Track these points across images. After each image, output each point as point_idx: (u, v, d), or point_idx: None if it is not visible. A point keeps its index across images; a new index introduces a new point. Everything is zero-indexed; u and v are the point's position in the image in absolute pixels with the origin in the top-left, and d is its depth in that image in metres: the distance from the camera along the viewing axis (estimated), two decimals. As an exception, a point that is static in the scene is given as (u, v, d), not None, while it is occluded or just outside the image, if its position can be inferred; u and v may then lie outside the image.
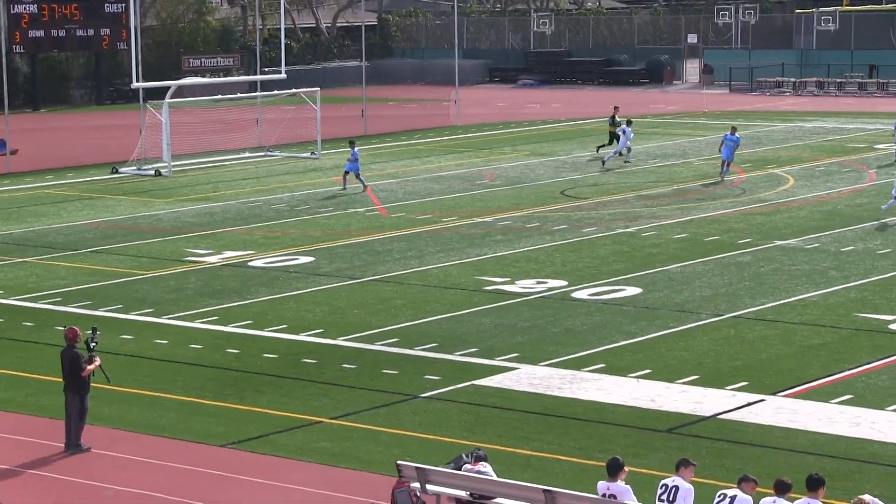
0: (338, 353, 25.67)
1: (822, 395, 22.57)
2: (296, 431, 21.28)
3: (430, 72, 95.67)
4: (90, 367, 20.31)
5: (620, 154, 51.91)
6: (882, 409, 21.74)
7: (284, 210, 42.33)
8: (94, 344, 20.37)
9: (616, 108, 55.75)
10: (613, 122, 53.63)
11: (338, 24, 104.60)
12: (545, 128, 66.55)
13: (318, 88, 59.00)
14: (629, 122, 52.70)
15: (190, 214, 42.08)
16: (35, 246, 37.05)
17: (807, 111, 72.33)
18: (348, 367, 24.79)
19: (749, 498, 15.15)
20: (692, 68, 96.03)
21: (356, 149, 45.86)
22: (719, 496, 15.26)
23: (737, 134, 48.14)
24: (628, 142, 51.93)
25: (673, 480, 15.54)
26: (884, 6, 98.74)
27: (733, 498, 15.14)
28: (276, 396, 23.04)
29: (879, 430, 20.75)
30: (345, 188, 45.44)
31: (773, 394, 22.66)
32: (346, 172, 45.73)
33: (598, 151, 53.62)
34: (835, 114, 70.44)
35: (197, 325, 28.08)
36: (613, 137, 53.24)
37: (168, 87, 55.34)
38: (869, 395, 22.44)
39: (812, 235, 36.46)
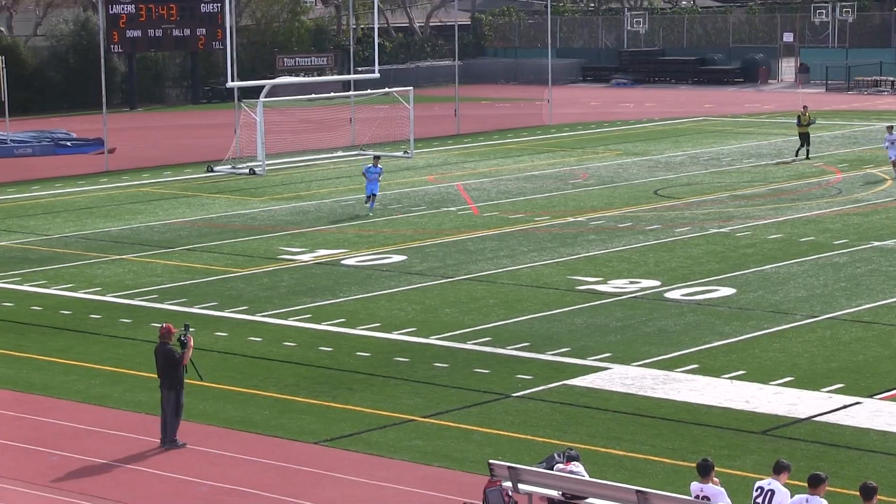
0: (429, 352, 25.74)
1: (919, 398, 22.34)
2: (388, 429, 21.36)
3: (523, 71, 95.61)
4: (188, 352, 20.56)
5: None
6: (981, 412, 21.46)
7: (378, 209, 42.47)
8: (185, 339, 20.61)
9: (805, 107, 53.77)
10: (801, 123, 51.98)
11: (431, 24, 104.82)
12: (638, 127, 66.28)
13: (411, 88, 59.15)
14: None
15: (283, 213, 42.37)
16: (132, 243, 37.49)
17: (905, 110, 71.47)
18: (440, 365, 24.84)
19: (787, 491, 15.05)
20: (788, 67, 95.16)
21: (381, 165, 42.17)
22: (756, 490, 15.21)
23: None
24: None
25: (769, 483, 15.41)
26: None
27: (771, 492, 15.09)
28: (368, 394, 23.14)
29: (979, 434, 20.48)
30: (370, 211, 41.20)
31: (870, 396, 22.43)
32: (369, 196, 41.33)
33: (796, 155, 51.98)
34: (933, 113, 69.52)
35: (290, 322, 28.27)
36: (804, 139, 51.80)
37: (262, 87, 55.71)
38: (968, 399, 22.17)
39: (910, 236, 36.09)
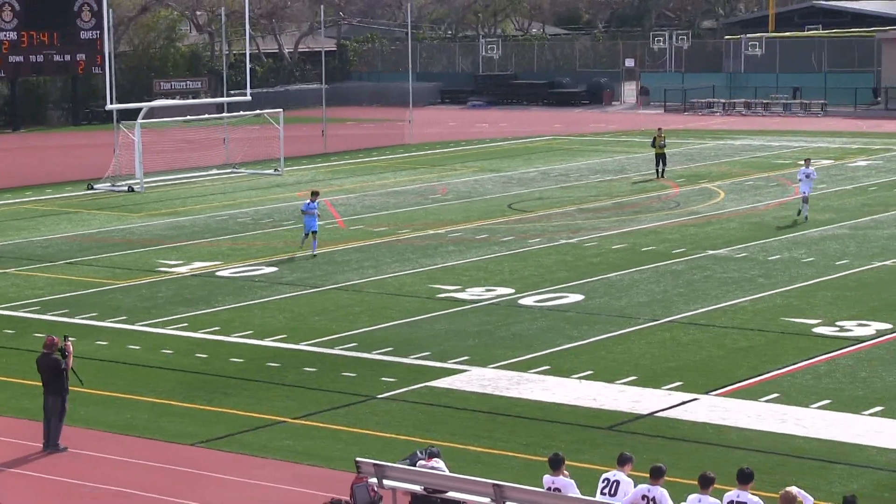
0: (300, 357, 25.61)
1: (750, 393, 22.66)
2: (261, 431, 21.20)
3: (386, 94, 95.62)
4: (69, 360, 20.30)
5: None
6: (806, 406, 21.84)
7: (249, 223, 42.18)
8: (64, 347, 20.36)
9: (660, 129, 53.86)
10: (655, 145, 51.97)
11: (299, 50, 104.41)
12: (493, 146, 66.64)
13: (281, 109, 58.91)
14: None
15: (160, 228, 41.87)
16: (15, 258, 36.78)
17: (735, 130, 72.74)
18: (309, 370, 24.72)
19: (631, 481, 15.24)
20: (629, 90, 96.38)
21: (317, 201, 37.03)
22: (603, 481, 15.39)
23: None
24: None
25: (614, 475, 15.56)
26: (806, 33, 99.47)
27: (616, 483, 15.29)
28: (242, 398, 22.94)
29: (804, 426, 20.85)
30: (314, 253, 36.24)
31: (706, 393, 22.73)
32: (308, 234, 36.23)
33: (658, 176, 50.97)
34: (761, 132, 70.88)
35: (168, 331, 27.93)
36: (659, 158, 51.84)
37: (140, 109, 55.06)
38: (794, 394, 22.55)
39: (741, 245, 36.64)
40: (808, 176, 40.58)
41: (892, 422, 20.93)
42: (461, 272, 33.67)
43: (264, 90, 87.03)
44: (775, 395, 22.51)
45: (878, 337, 26.38)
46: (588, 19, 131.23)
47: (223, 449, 20.36)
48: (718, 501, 14.73)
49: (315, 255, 35.74)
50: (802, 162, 42.34)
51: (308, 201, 36.38)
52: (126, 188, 51.17)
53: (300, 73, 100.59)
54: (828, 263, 33.88)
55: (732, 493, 14.74)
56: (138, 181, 51.40)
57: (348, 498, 16.78)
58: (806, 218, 39.93)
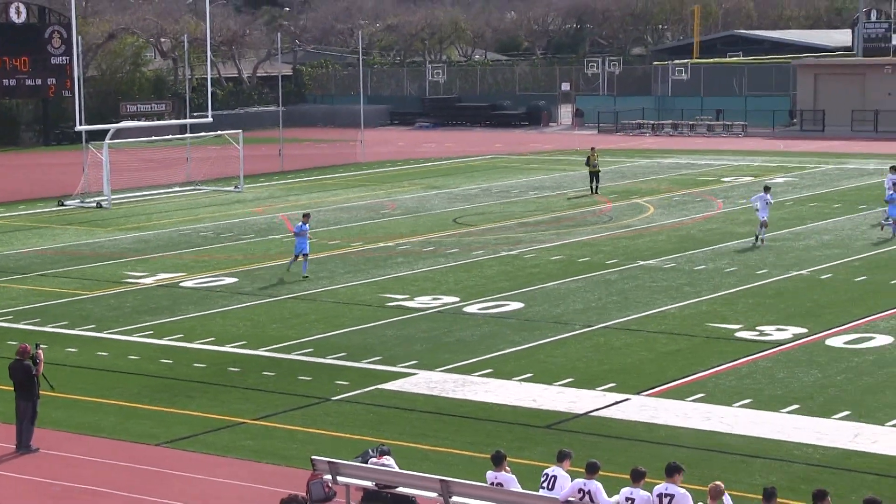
0: (258, 363, 25.49)
1: (678, 394, 22.77)
2: (222, 431, 21.09)
3: (339, 115, 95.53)
4: (40, 367, 20.17)
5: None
6: (729, 405, 21.96)
7: (211, 237, 41.98)
8: (36, 354, 20.23)
9: (593, 149, 53.87)
10: (589, 163, 51.93)
11: (258, 74, 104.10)
12: (439, 164, 66.68)
13: (241, 130, 58.71)
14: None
15: (127, 241, 41.58)
16: (-11, 270, 36.44)
17: (664, 149, 73.15)
18: (268, 374, 24.62)
19: (568, 476, 15.29)
20: (565, 112, 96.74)
21: (308, 224, 34.80)
22: (543, 476, 15.44)
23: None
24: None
25: (553, 470, 15.60)
26: (728, 59, 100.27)
27: (554, 478, 15.31)
28: (204, 401, 22.81)
29: (727, 423, 20.97)
30: (305, 275, 34.24)
31: (637, 393, 22.82)
32: (298, 255, 34.33)
33: (591, 192, 51.02)
34: (687, 151, 71.30)
35: (134, 338, 27.74)
36: (593, 176, 51.77)
37: (108, 130, 54.69)
38: (718, 394, 22.68)
39: (669, 256, 36.83)
40: (767, 203, 38.58)
41: (807, 419, 21.09)
42: (410, 282, 33.64)
43: (225, 112, 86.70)
44: (701, 395, 22.63)
45: (795, 340, 26.58)
46: (527, 46, 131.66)
47: (186, 449, 20.23)
48: (649, 494, 14.79)
49: (307, 278, 33.84)
50: (761, 190, 40.26)
51: (300, 223, 34.43)
52: (94, 204, 50.80)
53: (258, 97, 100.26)
54: (749, 273, 34.11)
55: (661, 486, 14.80)
56: (106, 198, 51.02)
57: (304, 494, 16.72)
58: (763, 241, 38.18)
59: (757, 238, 38.62)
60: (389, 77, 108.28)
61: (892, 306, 29.64)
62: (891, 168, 44.11)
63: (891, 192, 41.32)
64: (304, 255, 34.13)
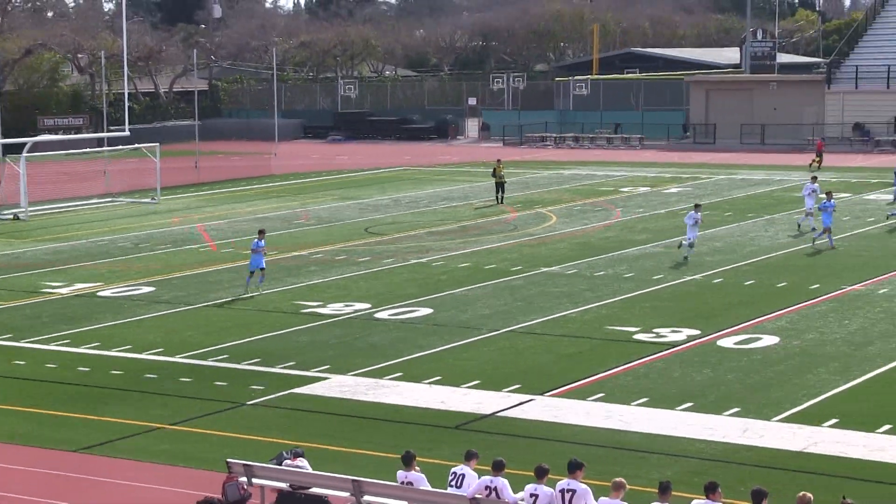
0: (175, 369, 25.22)
1: (580, 394, 22.90)
2: (139, 437, 20.82)
3: (254, 129, 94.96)
4: None
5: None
6: (628, 404, 22.14)
7: (128, 247, 41.48)
8: None
9: (499, 160, 53.82)
10: (495, 174, 51.94)
11: (174, 89, 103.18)
12: (351, 176, 66.54)
13: (158, 144, 58.14)
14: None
15: (45, 252, 40.94)
16: None
17: (565, 161, 73.66)
18: (184, 380, 24.37)
19: (475, 474, 15.34)
20: (472, 125, 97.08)
21: (264, 240, 33.27)
22: (451, 475, 15.47)
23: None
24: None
25: (461, 469, 15.61)
26: (625, 76, 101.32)
27: (462, 476, 15.35)
28: (121, 407, 22.51)
29: (625, 421, 21.13)
30: (251, 291, 32.88)
31: (541, 394, 22.92)
32: (255, 271, 32.92)
33: (497, 202, 51.17)
34: (588, 163, 71.88)
35: (51, 347, 27.30)
36: (499, 186, 51.73)
37: (25, 143, 53.87)
38: (617, 393, 22.86)
39: (571, 263, 37.07)
40: (696, 222, 37.28)
41: (700, 415, 21.33)
42: (323, 289, 33.51)
43: (142, 126, 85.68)
44: (601, 394, 22.79)
45: (689, 342, 26.88)
46: (435, 63, 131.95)
47: (104, 454, 19.93)
48: (552, 489, 14.87)
49: (256, 294, 32.47)
50: (693, 207, 38.91)
51: (256, 239, 33.15)
52: (12, 216, 49.95)
53: (175, 111, 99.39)
54: (646, 278, 34.45)
55: (564, 482, 14.88)
56: (23, 210, 50.20)
57: (220, 496, 16.58)
58: (686, 258, 36.72)
59: (685, 258, 36.80)
60: (303, 92, 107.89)
61: (778, 308, 30.11)
62: (812, 178, 44.94)
63: (810, 199, 42.13)
64: (260, 269, 32.72)
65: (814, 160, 65.22)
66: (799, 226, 42.53)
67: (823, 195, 41.33)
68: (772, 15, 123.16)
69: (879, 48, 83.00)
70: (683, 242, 37.55)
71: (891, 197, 51.36)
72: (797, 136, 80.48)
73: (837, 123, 79.68)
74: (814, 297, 31.48)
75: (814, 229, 40.92)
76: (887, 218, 43.60)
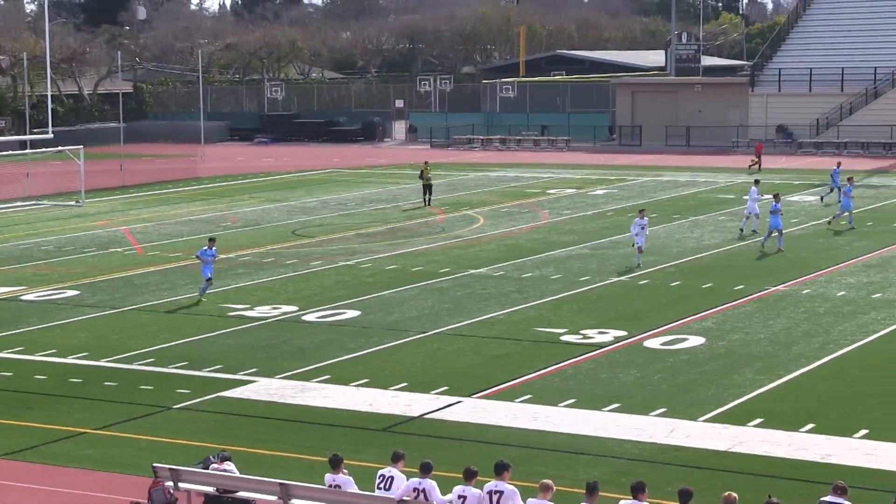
0: (101, 373, 24.95)
1: (507, 395, 22.98)
2: (64, 442, 20.57)
3: (180, 131, 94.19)
4: None
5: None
6: (555, 405, 22.24)
7: (53, 251, 40.96)
8: None
9: (426, 163, 53.79)
10: (422, 177, 51.93)
11: (99, 91, 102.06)
12: (278, 178, 66.25)
13: (82, 146, 57.37)
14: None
15: (-32, 256, 40.32)
16: None
17: (492, 163, 73.89)
18: (110, 384, 24.11)
19: (403, 476, 15.36)
20: (399, 128, 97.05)
21: (214, 248, 32.94)
22: (379, 477, 15.47)
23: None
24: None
25: (389, 471, 15.59)
26: (551, 78, 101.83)
27: (391, 478, 15.37)
28: (45, 412, 22.22)
29: (553, 422, 21.23)
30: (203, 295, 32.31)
31: (469, 396, 22.96)
32: (208, 279, 32.27)
33: (425, 204, 51.58)
34: (514, 165, 72.15)
35: (-26, 352, 26.89)
36: (426, 188, 51.79)
37: (-54, 145, 53.03)
38: (545, 395, 22.95)
39: (499, 265, 37.18)
40: (642, 227, 36.46)
41: (627, 416, 21.49)
42: (250, 292, 33.32)
43: (66, 128, 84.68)
44: (529, 395, 22.87)
45: (616, 343, 27.08)
46: (362, 65, 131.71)
47: (28, 460, 19.66)
48: (480, 491, 14.89)
49: (203, 299, 31.93)
50: (638, 214, 37.97)
51: (205, 248, 32.46)
52: (-66, 219, 49.17)
53: (99, 113, 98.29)
54: (573, 280, 34.65)
55: (491, 484, 14.91)
56: (-55, 213, 49.44)
57: (146, 501, 16.43)
58: (639, 265, 36.15)
59: (638, 266, 36.11)
60: (229, 94, 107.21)
61: (703, 309, 30.43)
62: (755, 181, 45.53)
63: (753, 203, 42.71)
64: (209, 279, 32.07)
65: (753, 161, 65.84)
66: (741, 231, 42.88)
67: (770, 196, 42.14)
68: (696, 18, 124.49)
69: (802, 51, 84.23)
70: (636, 259, 36.58)
71: (817, 198, 52.15)
72: (722, 138, 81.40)
73: (761, 125, 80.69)
74: (739, 297, 31.86)
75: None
76: (829, 224, 44.00)
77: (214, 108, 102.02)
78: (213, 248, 32.58)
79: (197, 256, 32.62)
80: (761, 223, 42.13)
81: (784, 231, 39.50)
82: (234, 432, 20.97)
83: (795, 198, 53.46)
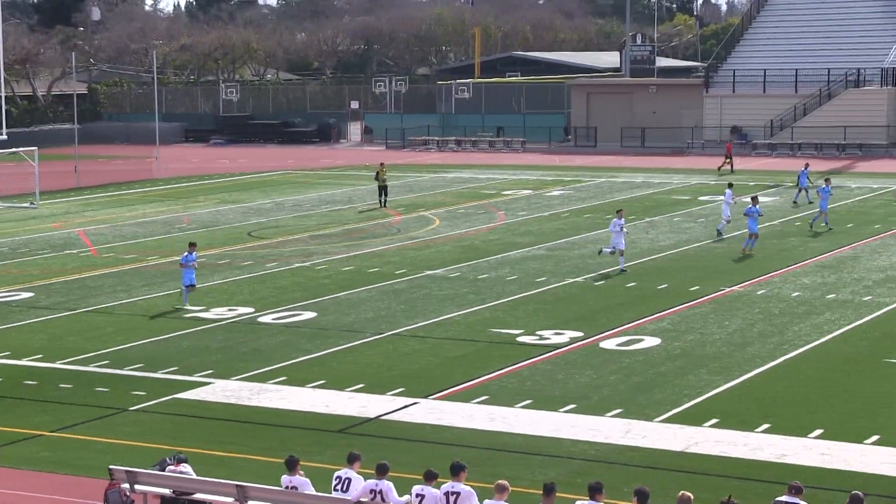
0: (56, 375, 24.77)
1: (464, 396, 23.01)
2: (19, 444, 20.42)
3: (135, 133, 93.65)
4: None
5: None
6: (512, 406, 22.29)
7: (7, 252, 40.61)
8: None
9: (382, 164, 53.85)
10: (378, 178, 51.88)
11: (53, 93, 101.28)
12: (233, 179, 65.99)
13: (36, 148, 56.98)
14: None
15: (-80, 258, 39.91)
16: None
17: (448, 164, 73.93)
18: (65, 386, 23.95)
19: (360, 477, 15.38)
20: (355, 129, 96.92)
21: (195, 252, 32.20)
22: (335, 479, 15.48)
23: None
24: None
25: (345, 472, 15.59)
26: (507, 79, 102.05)
27: (348, 480, 15.37)
28: (0, 415, 22.02)
29: (509, 423, 21.28)
30: (185, 304, 31.50)
31: (425, 397, 22.98)
32: (190, 286, 31.62)
33: (381, 205, 51.29)
34: (470, 166, 72.22)
35: (-73, 355, 26.63)
36: (382, 190, 51.72)
37: None
38: (501, 395, 23.00)
39: (454, 266, 37.23)
40: (621, 227, 35.95)
41: (583, 417, 21.57)
42: (205, 294, 33.16)
43: (19, 130, 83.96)
44: (485, 397, 22.91)
45: (572, 344, 27.18)
46: (317, 66, 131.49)
47: (-18, 463, 19.52)
48: (437, 491, 14.92)
49: (186, 305, 31.24)
50: (615, 213, 37.30)
51: (186, 253, 31.70)
52: None
53: (54, 114, 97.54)
54: (529, 281, 34.74)
55: (448, 485, 14.94)
56: None
57: (102, 503, 16.34)
58: (623, 270, 35.61)
59: (623, 271, 35.60)
60: (184, 95, 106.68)
61: (659, 310, 30.60)
62: (728, 185, 45.82)
63: (727, 207, 43.06)
64: (192, 285, 31.46)
65: (725, 161, 65.97)
66: (719, 232, 42.97)
67: (748, 200, 42.33)
68: (651, 20, 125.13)
69: (756, 53, 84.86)
70: (605, 250, 36.77)
71: (773, 199, 52.54)
72: (677, 139, 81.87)
73: (716, 127, 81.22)
74: (694, 298, 32.06)
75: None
76: (811, 226, 44.11)
77: (169, 109, 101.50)
78: (194, 253, 31.86)
79: (180, 264, 31.76)
80: (740, 225, 42.01)
81: (738, 233, 39.73)
82: (190, 434, 20.89)
83: (749, 199, 53.73)
